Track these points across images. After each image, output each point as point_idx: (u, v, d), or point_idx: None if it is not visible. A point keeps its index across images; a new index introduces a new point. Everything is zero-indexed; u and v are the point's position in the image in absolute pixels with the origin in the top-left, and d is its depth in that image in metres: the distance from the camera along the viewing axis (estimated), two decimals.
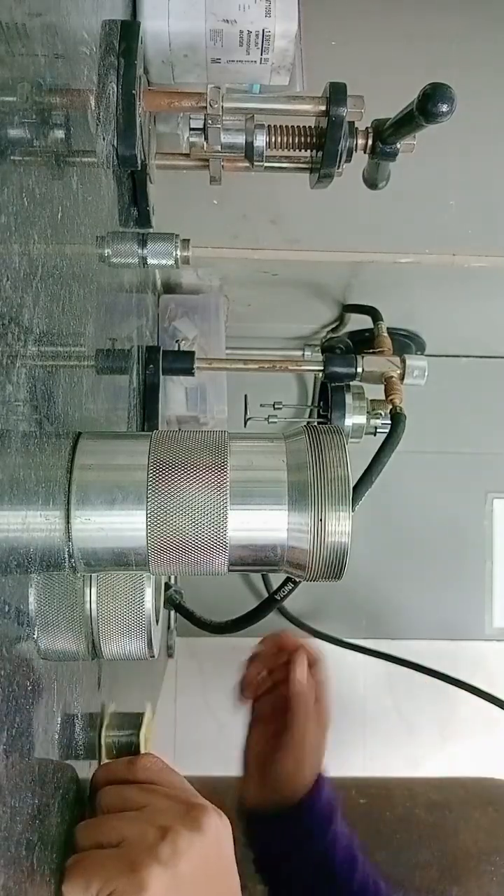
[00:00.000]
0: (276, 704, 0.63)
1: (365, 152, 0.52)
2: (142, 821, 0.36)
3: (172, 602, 0.88)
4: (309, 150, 0.53)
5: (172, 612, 1.17)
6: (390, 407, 0.76)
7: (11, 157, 0.25)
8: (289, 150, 0.53)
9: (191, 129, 0.55)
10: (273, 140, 0.52)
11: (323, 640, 1.24)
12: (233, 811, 0.62)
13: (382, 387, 0.79)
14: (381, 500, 0.73)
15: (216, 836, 0.36)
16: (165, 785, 0.40)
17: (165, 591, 0.86)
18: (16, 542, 0.27)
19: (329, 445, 0.34)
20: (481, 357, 1.33)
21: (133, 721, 0.47)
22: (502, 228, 0.84)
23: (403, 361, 0.79)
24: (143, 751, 0.45)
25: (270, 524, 0.33)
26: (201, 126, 0.51)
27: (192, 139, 0.54)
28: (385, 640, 1.27)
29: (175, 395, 0.96)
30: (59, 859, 0.35)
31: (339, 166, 0.52)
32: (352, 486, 0.33)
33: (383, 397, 0.78)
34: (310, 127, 0.52)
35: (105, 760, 0.43)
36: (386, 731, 1.34)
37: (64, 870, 0.35)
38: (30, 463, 0.28)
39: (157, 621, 0.44)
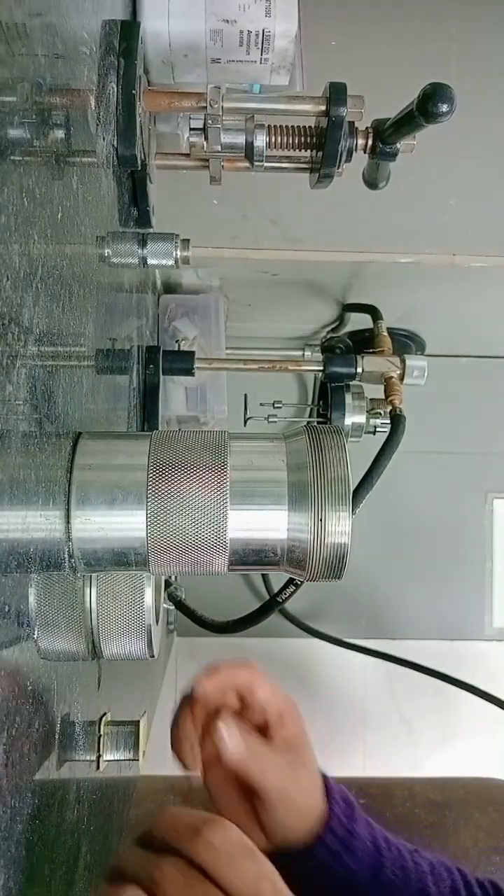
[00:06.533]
0: (227, 774, 0.49)
1: (365, 152, 0.52)
2: None
3: (173, 599, 0.88)
4: (309, 150, 0.53)
5: (170, 613, 1.17)
6: (390, 408, 0.76)
7: (11, 157, 0.25)
8: (289, 150, 0.53)
9: (191, 129, 0.55)
10: (273, 140, 0.52)
11: (323, 640, 1.24)
12: None
13: (382, 386, 0.79)
14: (382, 500, 0.74)
15: None
16: (224, 883, 0.33)
17: (166, 588, 0.86)
18: (16, 542, 0.27)
19: (329, 445, 0.34)
20: (481, 357, 1.33)
21: (132, 720, 0.47)
22: (502, 228, 0.84)
23: (403, 361, 0.79)
24: (142, 749, 0.45)
25: (270, 524, 0.33)
26: (201, 126, 0.51)
27: (192, 139, 0.54)
28: (385, 640, 1.27)
29: (175, 395, 0.96)
30: (61, 859, 0.35)
31: (339, 166, 0.52)
32: (352, 486, 0.33)
33: (383, 396, 0.78)
34: (310, 127, 0.52)
35: (105, 758, 0.43)
36: (386, 731, 1.34)
37: None
38: (30, 463, 0.28)
39: (157, 621, 0.44)
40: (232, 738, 0.47)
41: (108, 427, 0.48)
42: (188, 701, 0.50)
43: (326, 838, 0.50)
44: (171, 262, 0.59)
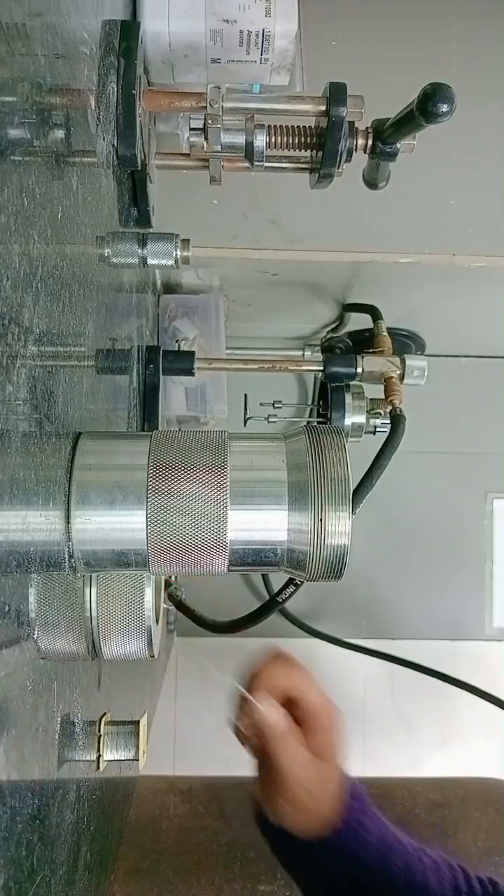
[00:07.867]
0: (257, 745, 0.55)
1: (365, 152, 0.52)
2: None
3: (173, 599, 0.88)
4: (309, 150, 0.53)
5: (170, 613, 1.17)
6: (390, 408, 0.76)
7: (11, 157, 0.25)
8: (289, 150, 0.53)
9: (191, 129, 0.55)
10: (273, 140, 0.52)
11: (323, 640, 1.24)
12: (230, 810, 0.61)
13: (382, 386, 0.79)
14: (381, 500, 0.74)
15: None
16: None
17: (166, 588, 0.86)
18: (16, 542, 0.27)
19: (329, 445, 0.34)
20: (481, 357, 1.33)
21: (132, 720, 0.47)
22: (502, 228, 0.84)
23: (403, 361, 0.79)
24: (142, 748, 0.45)
25: (270, 524, 0.33)
26: (201, 126, 0.51)
27: (192, 139, 0.54)
28: (385, 640, 1.27)
29: (175, 395, 0.96)
30: (61, 859, 0.35)
31: (339, 166, 0.52)
32: (352, 486, 0.33)
33: (383, 396, 0.78)
34: (310, 127, 0.52)
35: (105, 758, 0.43)
36: (386, 731, 1.34)
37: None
38: (30, 463, 0.28)
39: (157, 621, 0.44)
40: (272, 712, 0.53)
41: (108, 427, 0.48)
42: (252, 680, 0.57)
43: (344, 832, 0.53)
44: (171, 262, 0.59)
